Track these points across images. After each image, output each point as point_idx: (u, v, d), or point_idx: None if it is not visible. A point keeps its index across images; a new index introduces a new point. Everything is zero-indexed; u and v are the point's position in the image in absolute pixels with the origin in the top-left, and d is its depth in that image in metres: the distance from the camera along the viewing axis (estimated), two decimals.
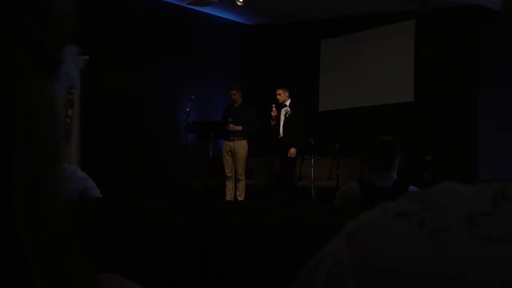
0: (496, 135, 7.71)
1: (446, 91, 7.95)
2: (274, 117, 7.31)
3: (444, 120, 7.94)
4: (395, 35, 8.61)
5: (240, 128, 7.31)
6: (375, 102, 8.59)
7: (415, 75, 8.37)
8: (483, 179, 7.24)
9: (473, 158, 7.73)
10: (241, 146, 7.35)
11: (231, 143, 7.35)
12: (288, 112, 7.28)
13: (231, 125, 7.28)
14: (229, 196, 7.41)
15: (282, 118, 7.31)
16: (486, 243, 0.34)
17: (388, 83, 8.56)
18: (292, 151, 7.13)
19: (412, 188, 2.70)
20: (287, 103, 7.36)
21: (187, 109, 7.50)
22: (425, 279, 0.34)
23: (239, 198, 7.36)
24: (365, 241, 0.37)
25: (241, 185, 7.45)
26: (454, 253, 0.34)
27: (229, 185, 7.47)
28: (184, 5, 8.44)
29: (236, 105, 7.51)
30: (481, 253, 0.33)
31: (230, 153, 7.41)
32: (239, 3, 8.20)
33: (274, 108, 7.28)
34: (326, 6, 8.58)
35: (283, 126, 7.30)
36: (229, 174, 7.46)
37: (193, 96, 7.65)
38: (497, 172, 7.44)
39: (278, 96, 7.34)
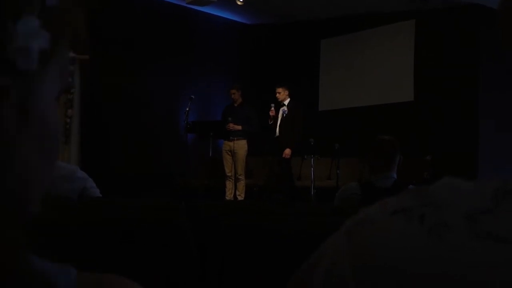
0: (496, 135, 7.71)
1: (446, 91, 7.95)
2: (272, 116, 7.29)
3: (444, 120, 7.93)
4: (395, 35, 8.61)
5: (239, 127, 7.30)
6: (375, 102, 8.58)
7: (415, 75, 8.36)
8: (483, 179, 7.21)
9: (473, 158, 7.72)
10: (240, 146, 7.35)
11: (231, 143, 7.35)
12: (285, 111, 7.26)
13: (231, 125, 7.28)
14: (229, 196, 7.40)
15: (279, 117, 7.30)
16: (486, 243, 0.34)
17: (388, 83, 8.56)
18: (287, 151, 7.10)
19: (412, 188, 2.69)
20: (286, 102, 7.34)
21: (187, 109, 7.49)
22: (425, 278, 0.34)
23: (239, 198, 7.36)
24: (364, 239, 0.37)
25: (241, 184, 7.44)
26: (454, 252, 0.34)
27: (229, 184, 7.46)
28: (184, 4, 8.43)
29: (236, 105, 7.50)
30: (481, 253, 0.33)
31: (230, 153, 7.41)
32: (239, 3, 8.19)
33: (272, 108, 7.26)
34: (326, 6, 8.57)
35: (279, 126, 7.28)
36: (229, 174, 7.45)
37: (193, 96, 7.64)
38: (497, 172, 7.43)
39: (277, 95, 7.33)
